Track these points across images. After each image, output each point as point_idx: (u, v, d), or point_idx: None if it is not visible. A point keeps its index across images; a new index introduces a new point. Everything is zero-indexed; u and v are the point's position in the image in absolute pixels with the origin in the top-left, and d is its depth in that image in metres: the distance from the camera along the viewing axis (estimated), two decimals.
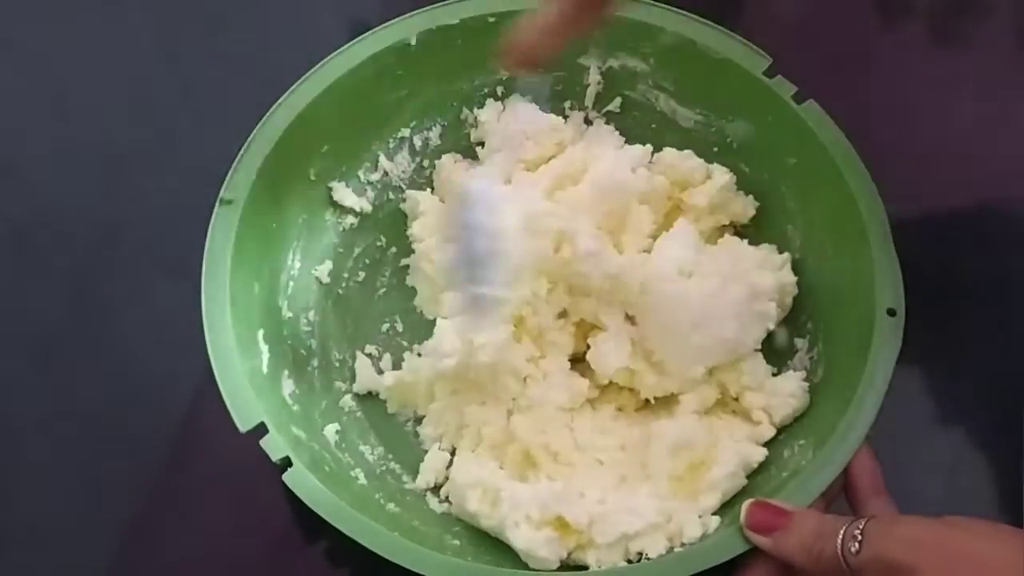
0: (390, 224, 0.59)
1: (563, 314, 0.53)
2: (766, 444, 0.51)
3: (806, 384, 0.51)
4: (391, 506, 0.49)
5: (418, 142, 0.60)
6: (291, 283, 0.55)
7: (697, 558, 0.43)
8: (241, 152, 0.51)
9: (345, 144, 0.57)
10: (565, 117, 0.60)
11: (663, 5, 0.56)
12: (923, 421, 0.55)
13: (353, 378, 0.54)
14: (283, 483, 0.51)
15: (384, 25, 0.55)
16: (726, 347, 0.50)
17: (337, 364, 0.55)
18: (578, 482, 0.48)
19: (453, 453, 0.52)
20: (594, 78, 0.59)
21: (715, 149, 0.58)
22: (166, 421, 0.55)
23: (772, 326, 0.52)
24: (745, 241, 0.54)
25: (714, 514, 0.47)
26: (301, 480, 0.44)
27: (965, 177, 0.62)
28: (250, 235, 0.50)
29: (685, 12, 0.56)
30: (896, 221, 0.51)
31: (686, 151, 0.57)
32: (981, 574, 0.38)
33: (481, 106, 0.59)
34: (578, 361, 0.54)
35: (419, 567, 0.42)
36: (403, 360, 0.55)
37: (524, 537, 0.46)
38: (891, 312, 0.48)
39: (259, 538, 0.52)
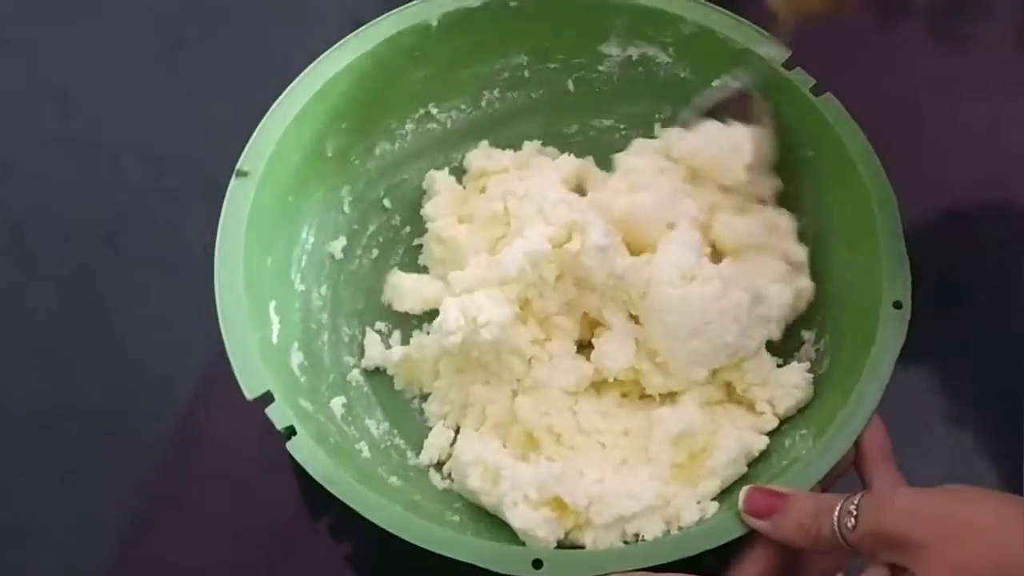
0: (405, 204, 0.61)
1: (569, 304, 0.55)
2: (768, 434, 0.52)
3: (810, 375, 0.52)
4: (393, 479, 0.51)
5: (436, 124, 0.61)
6: (304, 257, 0.56)
7: (694, 540, 0.45)
8: (259, 126, 0.53)
9: (363, 122, 0.58)
10: None
11: None
12: (924, 415, 0.57)
13: (362, 353, 0.56)
14: (283, 483, 0.51)
15: (406, 6, 0.57)
16: (727, 351, 0.52)
17: (347, 339, 0.57)
18: (578, 464, 0.50)
19: (457, 431, 0.54)
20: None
21: None
22: (166, 421, 0.56)
23: (777, 332, 0.53)
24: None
25: (713, 500, 0.49)
26: (304, 449, 0.45)
27: (965, 176, 0.63)
28: (265, 208, 0.52)
29: (705, 2, 0.58)
30: None
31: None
32: (980, 542, 0.38)
33: (502, 90, 0.61)
34: (584, 346, 0.55)
35: (419, 540, 0.43)
36: (412, 337, 0.57)
37: (521, 517, 0.47)
38: (897, 305, 0.49)
39: (259, 538, 0.54)
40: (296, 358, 0.52)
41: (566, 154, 0.61)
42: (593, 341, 0.55)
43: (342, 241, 0.58)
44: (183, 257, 0.57)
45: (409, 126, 0.61)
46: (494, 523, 0.49)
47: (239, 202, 0.51)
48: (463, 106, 0.61)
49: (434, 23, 0.57)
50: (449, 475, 0.52)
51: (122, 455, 0.55)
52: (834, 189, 0.55)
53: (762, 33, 0.56)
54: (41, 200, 0.63)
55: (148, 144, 0.64)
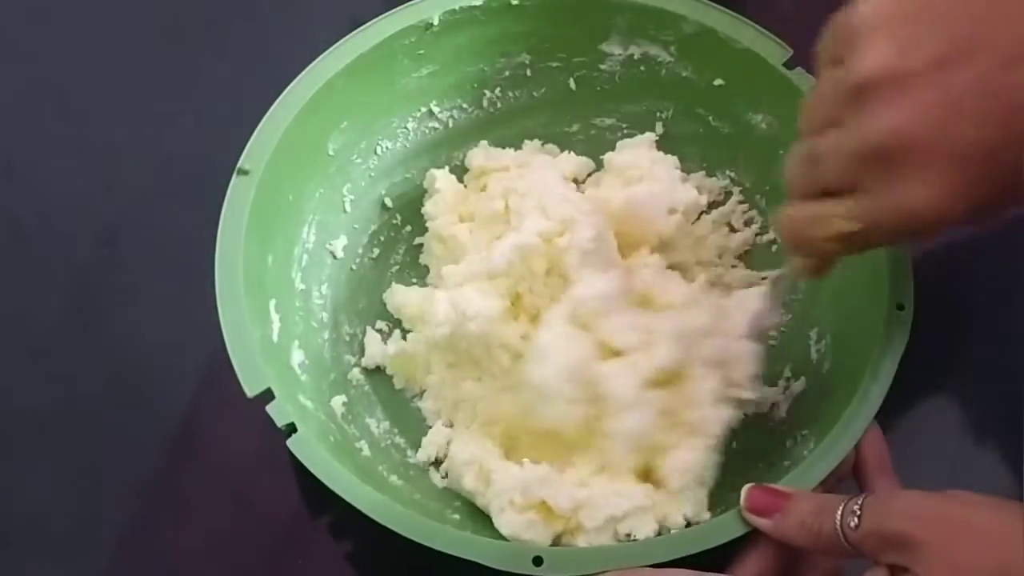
0: (407, 203, 0.61)
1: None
2: (770, 434, 0.53)
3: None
4: (394, 478, 0.52)
5: (437, 123, 0.62)
6: (305, 256, 0.57)
7: (695, 538, 0.45)
8: (260, 124, 0.54)
9: (364, 121, 0.59)
10: None
11: None
12: (925, 417, 0.57)
13: (362, 352, 0.57)
14: (283, 483, 0.51)
15: (408, 4, 0.58)
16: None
17: (347, 338, 0.58)
18: (560, 464, 0.51)
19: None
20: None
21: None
22: (166, 421, 0.57)
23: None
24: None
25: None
26: (305, 447, 0.46)
27: None
28: (266, 206, 0.53)
29: (707, 1, 0.59)
30: None
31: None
32: (981, 544, 0.39)
33: (504, 89, 0.62)
34: None
35: (420, 537, 0.44)
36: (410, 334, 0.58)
37: (508, 522, 0.48)
38: (900, 307, 0.50)
39: (259, 538, 0.55)
40: (297, 356, 0.53)
41: (567, 152, 0.62)
42: None
43: (343, 240, 0.59)
44: (183, 257, 0.57)
45: (411, 125, 0.62)
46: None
47: (240, 200, 0.52)
48: (465, 105, 0.62)
49: (435, 21, 0.58)
50: (447, 474, 0.53)
51: (122, 455, 0.56)
52: None
53: (764, 33, 0.56)
54: (41, 200, 0.63)
55: (148, 144, 0.65)
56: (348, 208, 0.60)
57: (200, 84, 0.68)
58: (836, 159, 0.42)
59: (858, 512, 0.41)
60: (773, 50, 0.57)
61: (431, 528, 0.45)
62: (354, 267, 0.60)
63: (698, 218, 0.61)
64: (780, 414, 0.54)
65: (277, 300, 0.53)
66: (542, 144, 0.63)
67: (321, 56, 0.56)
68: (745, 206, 0.61)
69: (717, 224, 0.61)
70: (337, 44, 0.56)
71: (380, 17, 0.57)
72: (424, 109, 0.62)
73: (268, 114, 0.54)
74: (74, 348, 0.59)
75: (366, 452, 0.53)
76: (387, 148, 0.61)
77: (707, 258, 0.60)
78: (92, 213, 0.63)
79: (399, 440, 0.55)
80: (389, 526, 0.44)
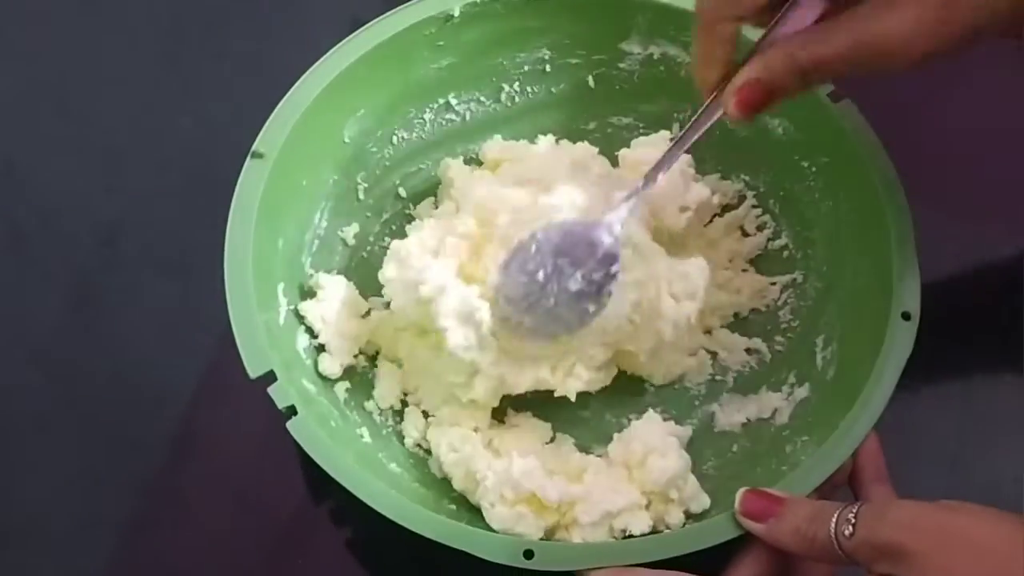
0: (421, 193, 0.64)
1: None
2: (771, 439, 0.55)
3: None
4: (393, 466, 0.55)
5: (455, 115, 0.65)
6: (316, 241, 0.61)
7: (687, 539, 0.48)
8: (277, 108, 0.57)
9: (382, 110, 0.62)
10: None
11: None
12: (926, 427, 0.60)
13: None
14: (283, 483, 0.52)
15: None
16: None
17: None
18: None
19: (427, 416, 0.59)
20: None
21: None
22: (166, 421, 0.60)
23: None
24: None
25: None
26: (305, 430, 0.49)
27: (964, 177, 0.68)
28: (278, 190, 0.56)
29: None
30: None
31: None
32: (977, 556, 0.40)
33: (522, 84, 0.65)
34: None
35: (413, 525, 0.46)
36: None
37: (499, 517, 0.51)
38: (906, 316, 0.52)
39: (259, 538, 0.60)
40: (302, 341, 0.57)
41: (583, 141, 0.65)
42: None
43: (355, 227, 0.63)
44: (183, 257, 0.59)
45: (428, 116, 0.65)
46: None
47: (253, 183, 0.55)
48: (483, 98, 0.66)
49: (456, 13, 0.61)
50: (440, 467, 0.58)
51: (122, 455, 0.60)
52: (847, 196, 0.59)
53: None
54: (41, 200, 0.66)
55: (148, 144, 0.68)
56: (361, 196, 0.63)
57: (200, 84, 0.71)
58: None
59: (853, 520, 0.44)
60: None
61: (424, 517, 0.48)
62: (365, 255, 0.63)
63: (710, 221, 0.65)
64: (782, 419, 0.58)
65: (285, 284, 0.57)
66: (556, 141, 0.66)
67: (341, 42, 0.59)
68: (758, 211, 0.65)
69: (730, 227, 0.65)
70: (357, 32, 0.60)
71: (401, 7, 0.61)
72: (442, 100, 0.65)
73: (285, 99, 0.57)
74: (74, 348, 0.61)
75: (366, 439, 0.56)
76: (403, 138, 0.65)
77: (718, 261, 0.63)
78: (92, 213, 0.67)
79: (400, 428, 0.58)
80: (382, 512, 0.47)
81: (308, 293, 0.58)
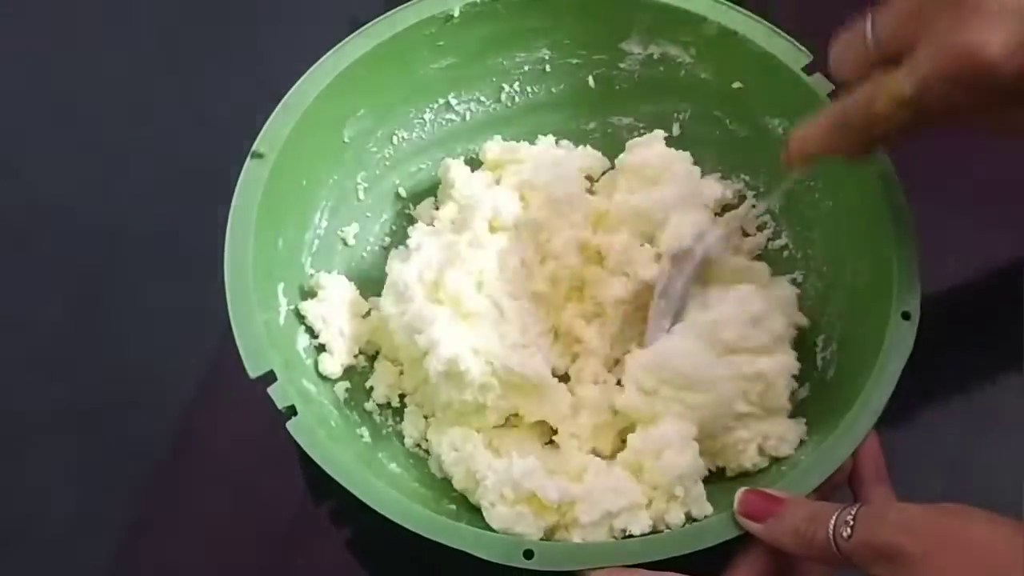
0: (420, 193, 0.65)
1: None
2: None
3: None
4: (393, 466, 0.55)
5: (455, 115, 0.66)
6: (316, 241, 0.61)
7: (687, 539, 0.48)
8: (277, 108, 0.57)
9: (382, 109, 0.63)
10: None
11: None
12: (925, 418, 0.60)
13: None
14: (283, 483, 0.52)
15: None
16: None
17: None
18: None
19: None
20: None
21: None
22: (166, 421, 0.61)
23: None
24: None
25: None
26: (305, 430, 0.49)
27: (964, 177, 0.67)
28: (278, 190, 0.56)
29: (728, 3, 0.62)
30: None
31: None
32: (975, 559, 0.40)
33: (522, 84, 0.65)
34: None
35: (413, 525, 0.46)
36: None
37: (499, 516, 0.52)
38: (906, 316, 0.52)
39: (259, 539, 0.59)
40: (302, 341, 0.57)
41: (583, 146, 0.66)
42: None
43: (355, 227, 0.63)
44: (183, 257, 0.58)
45: (428, 115, 0.66)
46: None
47: (253, 183, 0.55)
48: (483, 98, 0.66)
49: (456, 13, 0.62)
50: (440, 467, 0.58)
51: (122, 455, 0.59)
52: (848, 196, 0.59)
53: (784, 37, 0.58)
54: (42, 200, 0.65)
55: (148, 144, 0.68)
56: (361, 196, 0.64)
57: (200, 84, 0.71)
58: (899, 11, 0.45)
59: (851, 522, 0.44)
60: (793, 54, 0.61)
61: (424, 517, 0.48)
62: (365, 255, 0.63)
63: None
64: None
65: (285, 284, 0.57)
66: (556, 141, 0.66)
67: (341, 43, 0.60)
68: (758, 210, 0.64)
69: (730, 227, 0.62)
70: (357, 32, 0.60)
71: (402, 7, 0.61)
72: (442, 100, 0.65)
73: (285, 99, 0.58)
74: (74, 348, 0.61)
75: (366, 439, 0.57)
76: (403, 138, 0.65)
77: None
78: (92, 213, 0.65)
79: (400, 428, 0.59)
80: (382, 512, 0.48)
81: (308, 293, 0.59)
